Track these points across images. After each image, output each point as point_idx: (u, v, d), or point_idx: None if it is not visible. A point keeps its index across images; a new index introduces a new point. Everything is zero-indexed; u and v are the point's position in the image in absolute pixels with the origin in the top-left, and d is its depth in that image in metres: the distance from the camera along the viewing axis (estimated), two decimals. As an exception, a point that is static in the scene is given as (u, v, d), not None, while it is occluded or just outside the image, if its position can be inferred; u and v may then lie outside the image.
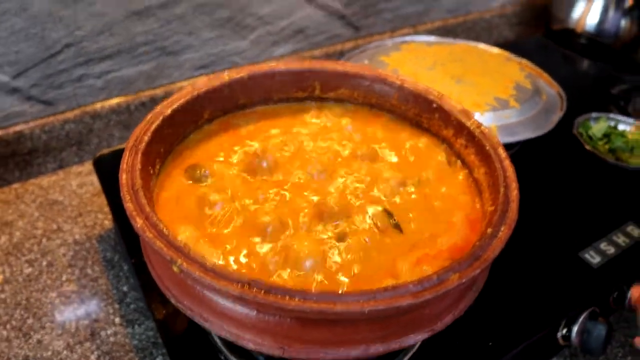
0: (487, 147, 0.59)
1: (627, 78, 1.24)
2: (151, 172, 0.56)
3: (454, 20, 1.42)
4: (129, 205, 0.49)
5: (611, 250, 0.84)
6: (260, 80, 0.69)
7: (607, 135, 1.05)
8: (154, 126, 0.57)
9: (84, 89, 0.99)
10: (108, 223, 0.92)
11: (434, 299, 0.45)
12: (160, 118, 0.58)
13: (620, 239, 0.86)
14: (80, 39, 0.94)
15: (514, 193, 0.54)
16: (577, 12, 1.43)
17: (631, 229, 0.88)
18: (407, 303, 0.44)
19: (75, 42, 0.94)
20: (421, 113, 0.68)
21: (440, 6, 1.38)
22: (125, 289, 0.81)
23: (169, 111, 0.60)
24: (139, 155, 0.54)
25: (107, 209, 0.92)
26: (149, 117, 0.59)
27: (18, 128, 0.96)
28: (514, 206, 0.53)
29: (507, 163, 0.58)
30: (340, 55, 1.24)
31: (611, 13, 1.39)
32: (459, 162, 0.66)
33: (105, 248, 0.88)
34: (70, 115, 0.99)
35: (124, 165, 0.53)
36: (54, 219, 0.92)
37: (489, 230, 0.50)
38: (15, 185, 0.99)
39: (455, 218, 0.60)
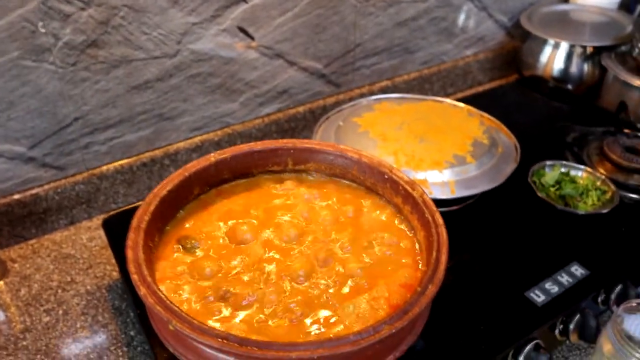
0: (427, 214, 0.71)
1: (578, 127, 1.33)
2: (151, 245, 0.68)
3: (428, 71, 1.51)
4: (134, 277, 0.62)
5: (555, 289, 0.92)
6: (242, 158, 0.81)
7: (558, 182, 1.13)
8: (152, 207, 0.69)
9: (90, 154, 1.11)
10: (116, 274, 1.03)
11: (370, 345, 0.57)
12: (158, 199, 0.71)
13: (564, 279, 0.94)
14: (87, 112, 1.06)
15: (443, 257, 0.65)
16: (544, 58, 1.51)
17: (575, 269, 0.96)
18: (348, 350, 0.56)
19: (82, 116, 1.06)
20: (376, 183, 0.80)
21: (415, 59, 1.48)
22: (132, 333, 0.92)
23: (164, 192, 0.72)
24: (141, 233, 0.66)
25: (114, 261, 1.04)
26: (148, 199, 0.71)
27: (34, 191, 1.08)
28: (441, 268, 0.63)
29: (442, 229, 0.69)
30: (323, 110, 1.35)
31: (574, 59, 1.47)
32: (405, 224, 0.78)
33: (114, 297, 0.99)
34: (79, 177, 1.12)
35: (129, 242, 0.65)
36: (67, 271, 1.04)
37: (419, 288, 0.62)
38: (32, 241, 1.11)
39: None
